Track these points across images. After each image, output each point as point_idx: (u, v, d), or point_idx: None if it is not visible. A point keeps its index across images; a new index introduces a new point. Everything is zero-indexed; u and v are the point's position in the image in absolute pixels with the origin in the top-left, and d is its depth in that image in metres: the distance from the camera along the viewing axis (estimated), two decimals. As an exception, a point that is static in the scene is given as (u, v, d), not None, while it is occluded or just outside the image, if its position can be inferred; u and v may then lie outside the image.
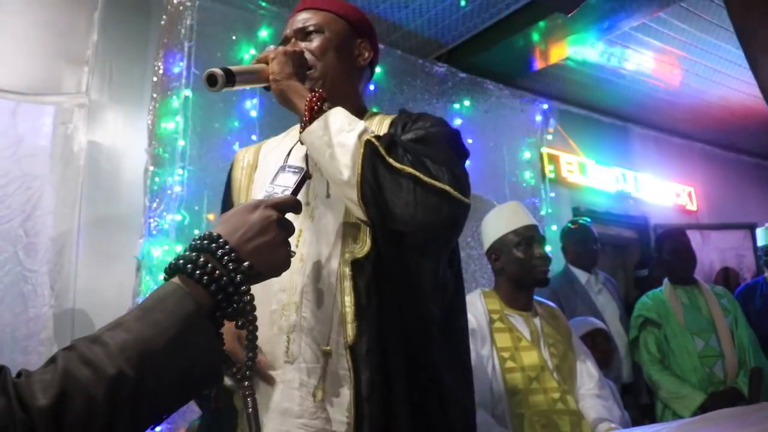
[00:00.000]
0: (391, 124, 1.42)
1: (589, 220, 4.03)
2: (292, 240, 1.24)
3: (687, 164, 6.41)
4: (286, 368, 1.25)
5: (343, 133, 1.21)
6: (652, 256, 5.49)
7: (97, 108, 3.06)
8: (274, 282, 1.23)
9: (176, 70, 3.07)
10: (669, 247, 3.55)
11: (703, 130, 6.30)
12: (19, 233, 2.74)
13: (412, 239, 1.19)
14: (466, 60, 4.18)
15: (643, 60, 4.74)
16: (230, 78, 1.24)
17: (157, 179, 2.93)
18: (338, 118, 1.25)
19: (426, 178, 1.18)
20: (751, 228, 5.63)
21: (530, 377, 2.17)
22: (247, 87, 1.35)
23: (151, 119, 3.00)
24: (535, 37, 3.95)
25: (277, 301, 1.29)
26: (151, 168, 2.94)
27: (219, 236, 0.85)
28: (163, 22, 3.12)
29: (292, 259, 1.22)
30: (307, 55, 1.42)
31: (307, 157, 1.37)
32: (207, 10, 3.22)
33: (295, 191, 1.02)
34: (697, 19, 4.13)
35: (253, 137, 3.28)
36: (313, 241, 1.31)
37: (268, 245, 0.89)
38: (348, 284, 1.24)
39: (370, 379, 1.19)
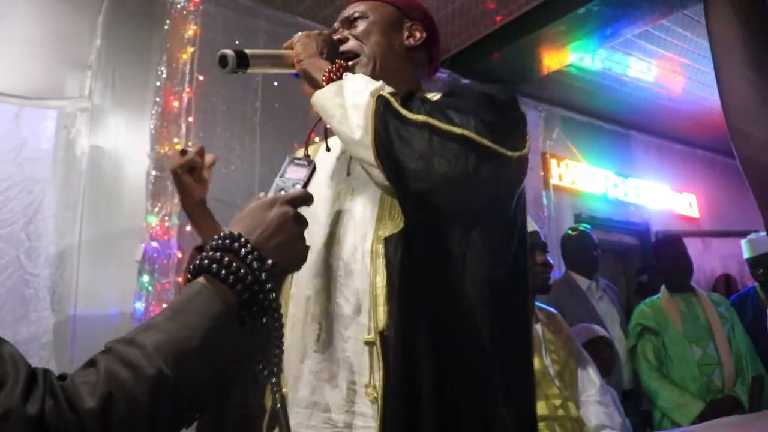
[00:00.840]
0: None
1: (589, 226, 4.03)
2: (328, 223, 1.25)
3: (689, 171, 6.40)
4: (315, 358, 1.17)
5: (356, 95, 1.13)
6: (652, 263, 5.50)
7: (100, 112, 3.06)
8: (310, 267, 1.22)
9: (179, 74, 3.08)
10: (666, 255, 3.55)
11: (705, 138, 6.29)
12: (21, 237, 2.75)
13: (435, 200, 1.06)
14: (468, 66, 4.18)
15: (645, 67, 4.74)
16: (242, 60, 1.20)
17: (158, 183, 2.93)
18: (356, 81, 1.17)
19: (442, 125, 1.04)
20: (753, 236, 5.62)
21: (531, 384, 2.16)
22: (269, 72, 1.30)
23: (154, 123, 3.01)
24: (538, 43, 3.95)
25: (313, 287, 1.22)
26: (153, 172, 2.94)
27: (240, 235, 0.86)
28: (166, 27, 3.13)
29: (327, 243, 1.23)
30: (352, 42, 1.38)
31: (326, 134, 1.35)
32: (210, 16, 3.23)
33: (306, 184, 1.01)
34: (700, 27, 4.13)
35: (255, 142, 3.28)
36: (349, 222, 1.22)
37: (287, 242, 0.90)
38: (380, 263, 1.12)
39: (399, 369, 1.06)
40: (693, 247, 4.13)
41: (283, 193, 0.99)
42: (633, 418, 3.20)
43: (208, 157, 1.53)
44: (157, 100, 3.03)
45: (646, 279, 4.85)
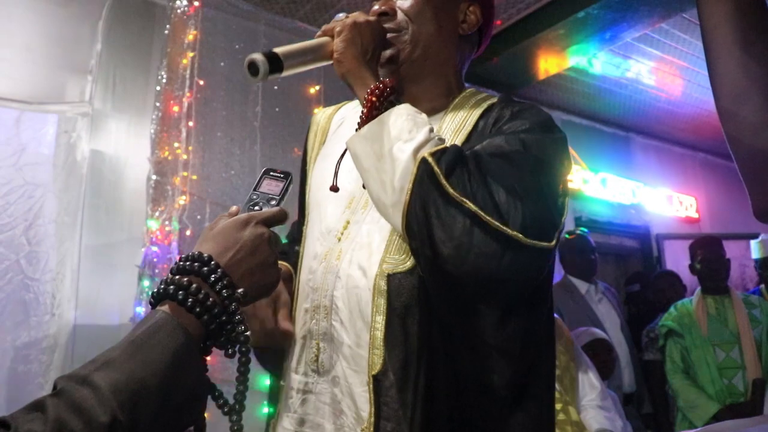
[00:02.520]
0: (482, 115, 1.15)
1: (586, 230, 4.04)
2: (337, 231, 1.13)
3: (689, 174, 6.41)
4: (314, 378, 1.09)
5: (399, 143, 0.98)
6: (653, 266, 5.50)
7: (100, 117, 3.07)
8: (309, 278, 1.12)
9: (179, 79, 3.09)
10: (701, 257, 3.54)
11: (705, 140, 6.30)
12: (22, 241, 2.75)
13: (458, 283, 0.95)
14: (468, 69, 4.19)
15: (645, 70, 4.75)
16: (275, 65, 1.02)
17: (159, 188, 2.94)
18: (399, 120, 1.00)
19: (487, 218, 0.92)
20: (754, 238, 5.61)
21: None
22: (308, 68, 1.11)
23: (154, 128, 3.01)
24: (538, 46, 3.96)
25: (311, 301, 1.11)
26: (154, 176, 2.95)
27: (210, 258, 0.78)
28: (166, 32, 3.13)
29: (328, 253, 1.11)
30: (400, 16, 1.19)
31: None
32: (210, 21, 3.24)
33: (281, 200, 0.93)
34: (698, 30, 4.13)
35: (255, 147, 3.29)
36: (355, 238, 1.10)
37: (260, 267, 0.83)
38: (382, 301, 1.01)
39: (392, 419, 0.98)
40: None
41: (257, 208, 0.91)
42: (634, 422, 3.20)
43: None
44: (158, 104, 3.04)
45: (638, 288, 4.81)
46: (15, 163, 2.79)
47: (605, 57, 4.48)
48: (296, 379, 1.11)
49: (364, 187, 1.07)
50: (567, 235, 3.89)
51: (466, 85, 1.30)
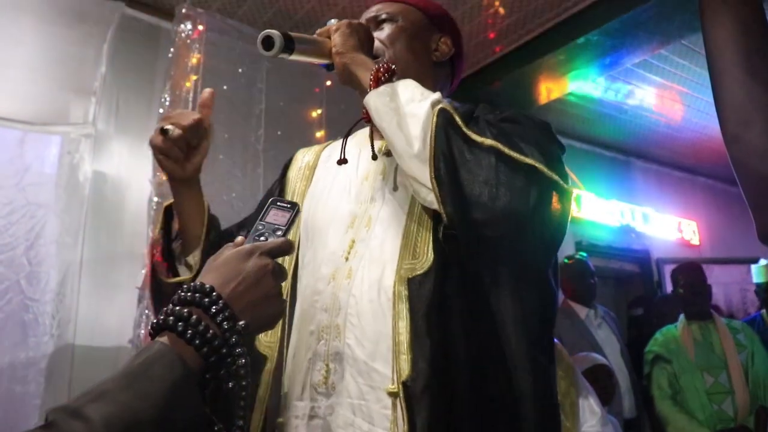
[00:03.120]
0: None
1: (585, 254, 4.04)
2: (343, 251, 1.14)
3: (689, 198, 6.42)
4: (321, 401, 1.06)
5: (413, 103, 1.03)
6: (653, 291, 5.48)
7: (104, 138, 3.09)
8: (316, 299, 1.12)
9: (182, 102, 3.11)
10: (684, 282, 3.54)
11: (705, 165, 6.32)
12: (22, 261, 2.75)
13: (490, 233, 0.96)
14: (468, 94, 4.21)
15: (645, 95, 4.78)
16: (289, 44, 1.10)
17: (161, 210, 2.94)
18: (408, 88, 1.07)
19: (512, 153, 0.96)
20: (755, 263, 5.61)
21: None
22: (306, 60, 1.18)
23: (157, 150, 3.02)
24: (538, 72, 3.99)
25: (318, 322, 1.10)
26: (156, 198, 2.95)
27: (212, 289, 0.77)
28: (170, 55, 3.16)
29: (336, 274, 1.12)
30: (376, 44, 1.27)
31: (371, 139, 1.20)
32: (214, 44, 3.27)
33: (287, 231, 0.92)
34: (698, 56, 4.18)
35: (258, 170, 3.30)
36: (364, 254, 1.11)
37: (263, 299, 0.81)
38: (404, 306, 1.01)
39: (427, 424, 0.95)
40: (694, 274, 4.12)
41: (262, 239, 0.89)
42: (635, 448, 3.18)
43: (206, 96, 1.26)
44: (160, 127, 3.05)
45: (641, 312, 4.80)
46: (18, 183, 2.80)
47: (605, 82, 4.51)
48: (299, 406, 1.10)
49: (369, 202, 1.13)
50: (566, 260, 3.89)
51: None
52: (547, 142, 1.06)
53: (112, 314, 2.90)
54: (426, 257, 1.04)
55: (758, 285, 3.88)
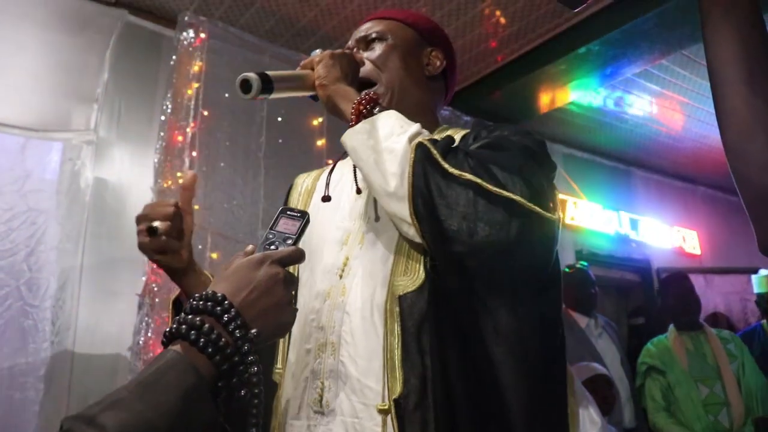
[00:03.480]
0: (463, 138, 1.18)
1: (586, 263, 4.04)
2: (337, 269, 1.14)
3: (690, 208, 6.42)
4: (317, 420, 1.06)
5: (392, 137, 1.02)
6: (654, 300, 5.48)
7: (105, 145, 3.09)
8: (312, 318, 1.12)
9: (183, 110, 3.11)
10: (673, 293, 3.53)
11: (706, 174, 6.33)
12: (23, 268, 2.75)
13: (473, 264, 0.96)
14: (470, 103, 4.23)
15: (645, 105, 4.79)
16: (267, 85, 1.09)
17: (161, 217, 2.94)
18: (389, 121, 1.05)
19: (490, 186, 0.94)
20: (755, 272, 5.61)
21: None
22: (290, 95, 1.17)
23: (158, 157, 3.03)
24: (539, 81, 4.00)
25: (315, 340, 1.11)
26: (156, 206, 2.95)
27: (224, 297, 0.77)
28: (172, 62, 3.17)
29: (331, 291, 1.12)
30: (368, 67, 1.28)
31: (355, 173, 1.20)
32: (216, 52, 3.28)
33: (297, 239, 0.93)
34: (698, 67, 4.19)
35: (259, 178, 3.30)
36: (357, 272, 1.11)
37: (274, 307, 0.82)
38: (396, 324, 1.01)
39: None
40: (695, 283, 4.10)
41: (273, 248, 0.90)
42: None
43: (188, 178, 1.22)
44: (162, 134, 3.06)
45: (642, 321, 4.80)
46: (19, 189, 2.81)
47: (606, 92, 4.52)
48: (296, 425, 1.10)
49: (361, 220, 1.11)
50: (567, 269, 3.89)
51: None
52: (533, 168, 1.01)
53: (111, 321, 2.90)
54: (417, 275, 1.04)
55: (759, 295, 3.87)
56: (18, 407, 2.61)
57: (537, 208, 0.95)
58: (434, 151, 0.99)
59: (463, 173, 0.96)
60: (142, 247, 1.17)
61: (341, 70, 1.17)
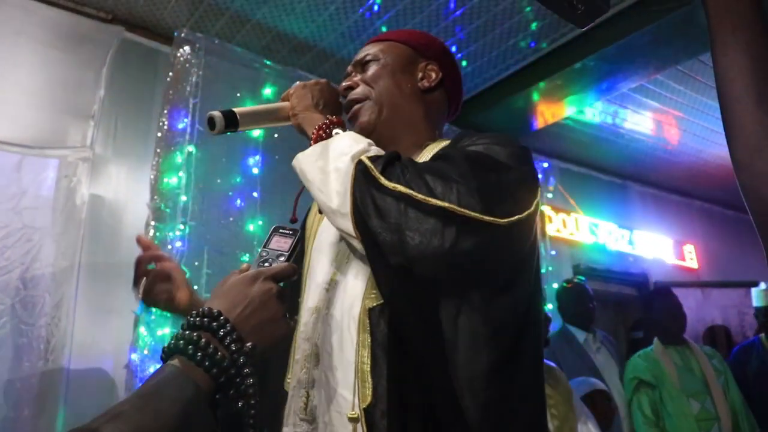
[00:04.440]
0: (440, 150, 1.21)
1: (583, 278, 4.03)
2: (325, 283, 1.19)
3: (686, 222, 6.44)
4: (304, 427, 1.11)
5: (341, 157, 1.05)
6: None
7: (101, 162, 3.08)
8: (303, 330, 1.17)
9: (180, 126, 3.12)
10: (658, 307, 3.52)
11: (702, 188, 6.35)
12: (18, 285, 2.73)
13: (409, 273, 0.97)
14: (466, 118, 4.24)
15: (641, 120, 4.81)
16: (231, 121, 1.16)
17: (157, 234, 2.93)
18: (342, 141, 1.10)
19: (419, 196, 0.96)
20: (753, 286, 5.61)
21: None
22: (266, 127, 1.26)
23: (154, 174, 3.03)
24: (535, 96, 4.01)
25: (302, 351, 1.16)
26: (153, 222, 2.95)
27: (219, 313, 0.81)
28: (168, 79, 3.18)
29: (318, 305, 1.17)
30: (360, 87, 1.33)
31: None
32: (212, 68, 3.29)
33: (290, 256, 0.97)
34: (693, 82, 4.21)
35: (255, 194, 3.30)
36: (340, 287, 1.15)
37: (269, 321, 0.86)
38: (366, 335, 1.04)
39: None
40: (692, 297, 4.11)
41: (266, 264, 0.95)
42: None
43: (144, 244, 1.38)
44: (158, 150, 3.06)
45: (642, 335, 4.78)
46: (15, 206, 2.80)
47: (602, 107, 4.54)
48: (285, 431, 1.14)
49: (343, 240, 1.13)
50: (565, 284, 3.89)
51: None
52: (477, 175, 1.01)
53: (107, 339, 2.88)
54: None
55: (757, 309, 3.86)
56: (12, 426, 2.59)
57: (473, 214, 0.95)
58: (371, 167, 1.02)
59: (396, 185, 0.98)
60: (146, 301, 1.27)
61: (311, 99, 1.25)
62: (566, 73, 3.68)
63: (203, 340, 0.77)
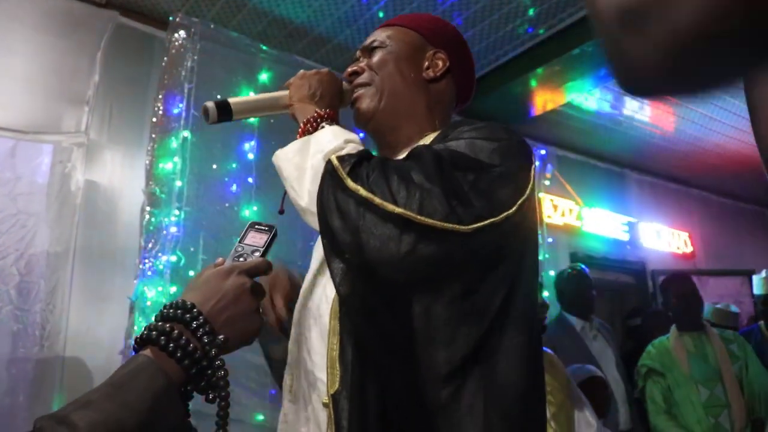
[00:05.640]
0: (434, 141, 1.19)
1: (581, 265, 4.03)
2: (315, 269, 1.19)
3: (684, 210, 6.44)
4: (289, 408, 1.16)
5: (317, 155, 1.07)
6: (649, 302, 5.48)
7: (96, 147, 3.07)
8: (295, 315, 1.20)
9: (176, 111, 3.09)
10: (675, 293, 3.50)
11: (700, 176, 6.35)
12: (12, 271, 2.73)
13: (367, 274, 0.97)
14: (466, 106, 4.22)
15: (639, 107, 4.79)
16: (224, 111, 1.18)
17: (153, 219, 2.92)
18: (323, 136, 1.10)
19: (377, 200, 0.95)
20: (749, 275, 5.63)
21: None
22: (263, 115, 1.27)
23: (149, 159, 3.01)
24: (533, 83, 4.00)
25: (294, 333, 1.19)
26: (148, 208, 2.93)
27: (193, 305, 0.82)
28: (164, 64, 3.15)
29: (307, 290, 1.18)
30: (366, 72, 1.32)
31: None
32: (208, 53, 3.26)
33: (265, 251, 0.98)
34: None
35: (250, 179, 3.29)
36: (325, 274, 1.13)
37: (241, 315, 0.87)
38: (336, 323, 1.05)
39: None
40: (689, 286, 4.11)
41: (241, 259, 0.96)
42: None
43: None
44: (153, 136, 3.04)
45: (639, 322, 4.79)
46: (9, 192, 2.78)
47: (600, 94, 4.52)
48: (281, 408, 1.19)
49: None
50: (569, 270, 3.87)
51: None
52: (442, 178, 0.98)
53: (102, 325, 2.87)
54: None
55: (757, 296, 3.85)
56: (8, 412, 2.59)
57: (430, 221, 0.93)
58: (339, 166, 1.00)
59: (358, 188, 0.97)
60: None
61: (308, 89, 1.24)
62: (564, 59, 3.66)
63: (176, 331, 0.78)
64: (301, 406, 1.11)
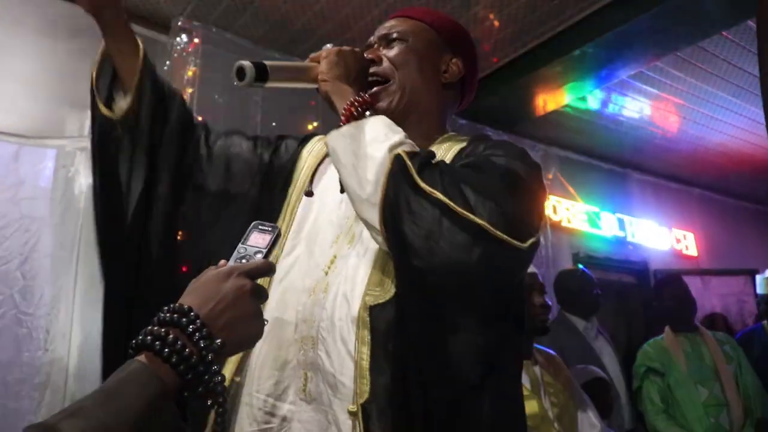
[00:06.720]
0: (459, 152, 1.20)
1: (580, 265, 4.03)
2: (324, 265, 1.16)
3: (686, 210, 6.43)
4: (302, 407, 1.09)
5: (375, 144, 1.03)
6: (651, 303, 5.47)
7: (99, 152, 3.07)
8: (300, 310, 1.14)
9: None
10: (669, 294, 3.51)
11: (702, 176, 6.34)
12: (16, 276, 2.73)
13: (432, 281, 0.97)
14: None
15: (641, 107, 4.79)
16: (261, 73, 1.12)
17: (156, 223, 2.92)
18: (376, 126, 1.07)
19: (457, 208, 0.94)
20: (752, 274, 5.62)
21: (530, 427, 2.12)
22: (292, 86, 1.20)
23: (152, 163, 3.01)
24: (534, 84, 4.00)
25: (300, 332, 1.13)
26: (151, 211, 2.93)
27: (190, 309, 0.79)
28: (166, 68, 3.16)
29: (316, 287, 1.14)
30: (385, 64, 1.29)
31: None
32: (210, 57, 3.26)
33: (268, 253, 0.95)
34: (693, 68, 4.19)
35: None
36: (341, 271, 1.12)
37: (241, 318, 0.83)
38: (366, 333, 1.03)
39: None
40: (692, 285, 4.08)
41: (243, 261, 0.93)
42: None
43: None
44: (156, 139, 3.04)
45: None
46: (12, 196, 2.79)
47: (601, 94, 4.53)
48: (282, 407, 1.12)
49: (342, 189, 1.10)
50: (572, 270, 3.86)
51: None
52: (511, 193, 1.01)
53: (107, 329, 2.87)
54: (389, 288, 1.05)
55: (761, 296, 3.85)
56: (12, 417, 2.59)
57: (504, 236, 0.95)
58: (410, 164, 1.00)
59: (434, 191, 0.97)
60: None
61: (344, 68, 1.19)
62: (565, 59, 3.67)
63: (171, 336, 0.75)
64: (321, 408, 1.07)
